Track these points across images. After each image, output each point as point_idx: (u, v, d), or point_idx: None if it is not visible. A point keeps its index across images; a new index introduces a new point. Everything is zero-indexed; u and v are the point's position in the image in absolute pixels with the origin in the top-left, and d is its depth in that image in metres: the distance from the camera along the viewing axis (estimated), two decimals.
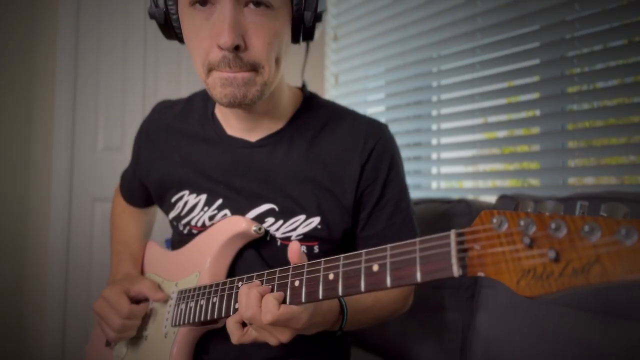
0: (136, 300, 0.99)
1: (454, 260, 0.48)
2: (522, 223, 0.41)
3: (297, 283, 0.68)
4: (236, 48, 0.77)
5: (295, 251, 0.72)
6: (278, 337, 0.71)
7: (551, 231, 0.39)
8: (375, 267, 0.58)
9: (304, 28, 0.85)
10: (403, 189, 1.00)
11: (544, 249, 0.40)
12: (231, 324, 0.75)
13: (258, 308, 0.69)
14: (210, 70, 0.81)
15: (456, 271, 0.48)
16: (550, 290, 0.39)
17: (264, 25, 0.78)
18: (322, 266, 0.66)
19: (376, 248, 0.59)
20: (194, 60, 0.84)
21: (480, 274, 0.45)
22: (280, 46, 0.83)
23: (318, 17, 0.85)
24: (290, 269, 0.71)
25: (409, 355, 1.33)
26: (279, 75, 0.87)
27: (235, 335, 0.74)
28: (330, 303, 0.79)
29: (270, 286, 0.72)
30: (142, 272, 1.11)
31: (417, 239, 0.54)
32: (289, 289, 0.69)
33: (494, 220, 0.44)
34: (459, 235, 0.49)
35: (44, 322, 2.30)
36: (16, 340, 2.25)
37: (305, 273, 0.68)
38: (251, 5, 0.77)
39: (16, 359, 2.25)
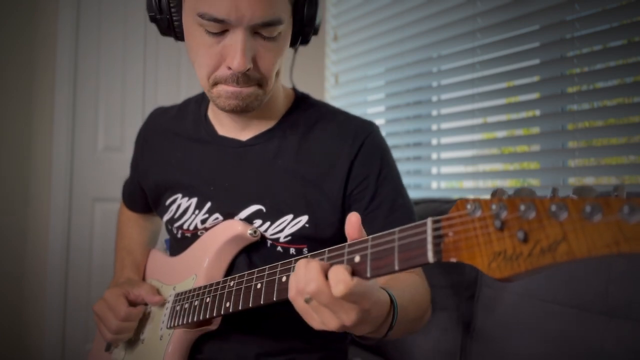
0: (135, 304, 0.99)
1: (429, 246, 0.49)
2: (494, 207, 0.42)
3: (284, 279, 0.68)
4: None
5: (354, 224, 0.61)
6: (342, 318, 0.58)
7: (521, 213, 0.39)
8: (357, 259, 0.58)
9: (301, 40, 0.93)
10: (398, 186, 0.98)
11: (513, 231, 0.40)
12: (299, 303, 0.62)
13: (323, 280, 0.57)
14: (216, 83, 0.85)
15: (431, 257, 0.48)
16: (519, 270, 0.39)
17: (272, 49, 0.84)
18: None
19: (359, 239, 0.59)
20: (197, 70, 0.87)
21: (453, 259, 0.45)
22: (281, 60, 0.89)
23: (315, 31, 0.93)
24: (279, 265, 0.70)
25: (409, 354, 1.32)
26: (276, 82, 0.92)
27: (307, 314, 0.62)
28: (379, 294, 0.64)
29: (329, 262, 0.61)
30: (143, 279, 1.12)
31: (397, 229, 0.54)
32: (276, 285, 0.68)
33: (469, 207, 0.45)
34: (435, 222, 0.49)
35: (44, 322, 2.31)
36: (16, 340, 2.26)
37: (292, 269, 0.67)
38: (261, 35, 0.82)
39: (16, 359, 2.26)
